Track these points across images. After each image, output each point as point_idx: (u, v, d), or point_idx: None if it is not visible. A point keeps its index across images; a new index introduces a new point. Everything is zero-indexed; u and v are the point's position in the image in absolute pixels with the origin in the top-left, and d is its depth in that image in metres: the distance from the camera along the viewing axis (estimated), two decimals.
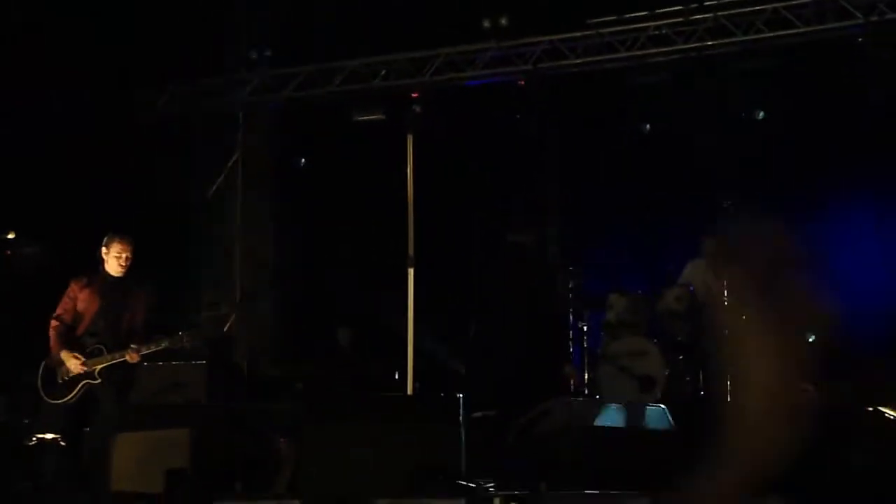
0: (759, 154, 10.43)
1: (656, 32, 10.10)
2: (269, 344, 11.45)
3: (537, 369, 8.95)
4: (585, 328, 9.39)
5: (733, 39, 9.83)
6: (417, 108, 8.18)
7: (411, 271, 6.96)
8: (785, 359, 1.66)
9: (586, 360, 9.30)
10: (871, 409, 6.53)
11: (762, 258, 1.67)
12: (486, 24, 10.30)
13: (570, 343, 9.44)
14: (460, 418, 6.10)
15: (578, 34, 10.34)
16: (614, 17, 10.19)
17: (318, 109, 11.18)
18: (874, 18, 9.27)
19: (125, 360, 6.97)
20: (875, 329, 9.25)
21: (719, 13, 9.81)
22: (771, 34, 9.72)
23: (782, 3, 9.60)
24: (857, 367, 8.33)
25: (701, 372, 9.27)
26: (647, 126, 10.57)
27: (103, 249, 7.17)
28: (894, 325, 9.09)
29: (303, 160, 11.61)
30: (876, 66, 9.22)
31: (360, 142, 10.79)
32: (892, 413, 6.40)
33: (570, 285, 9.45)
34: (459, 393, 6.13)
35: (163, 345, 7.04)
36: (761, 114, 10.26)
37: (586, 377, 9.27)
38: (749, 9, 9.75)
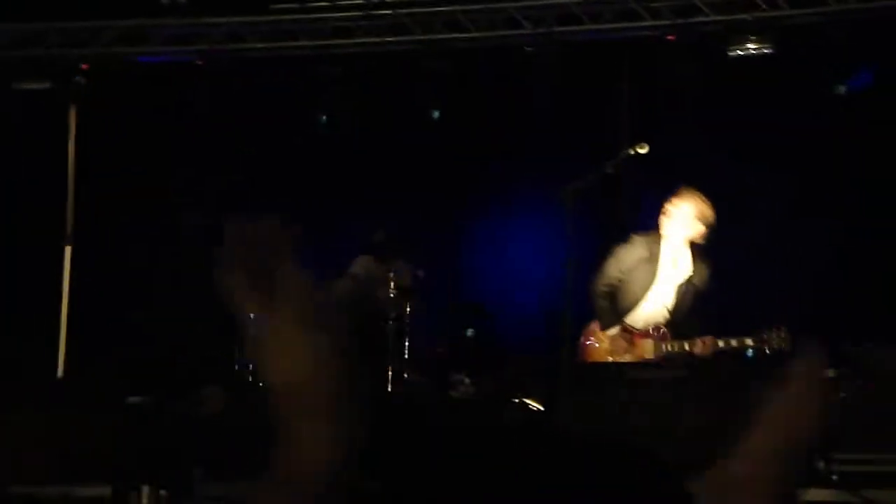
0: (435, 152, 10.76)
1: (338, 24, 10.17)
2: None
3: (198, 355, 8.77)
4: (253, 315, 9.30)
5: (411, 37, 10.07)
6: (82, 80, 7.77)
7: (69, 249, 6.64)
8: (300, 352, 1.59)
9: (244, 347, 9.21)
10: (516, 400, 6.86)
11: (254, 255, 1.62)
12: (164, 0, 9.99)
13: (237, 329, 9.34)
14: (114, 404, 5.90)
15: (259, 18, 10.24)
16: (297, 5, 10.17)
17: None
18: (542, 30, 9.77)
19: None
20: (524, 325, 9.79)
21: (399, 10, 10.01)
22: (448, 35, 10.03)
23: (459, 7, 9.93)
24: (505, 361, 8.78)
25: (366, 364, 9.44)
26: (324, 117, 10.62)
27: None
28: (541, 321, 9.62)
29: None
30: (542, 74, 9.73)
31: (21, 111, 10.16)
32: (534, 404, 6.75)
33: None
34: (117, 377, 5.92)
35: None
36: (436, 113, 10.56)
37: (251, 366, 9.20)
38: (428, 9, 10.02)
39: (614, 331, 6.67)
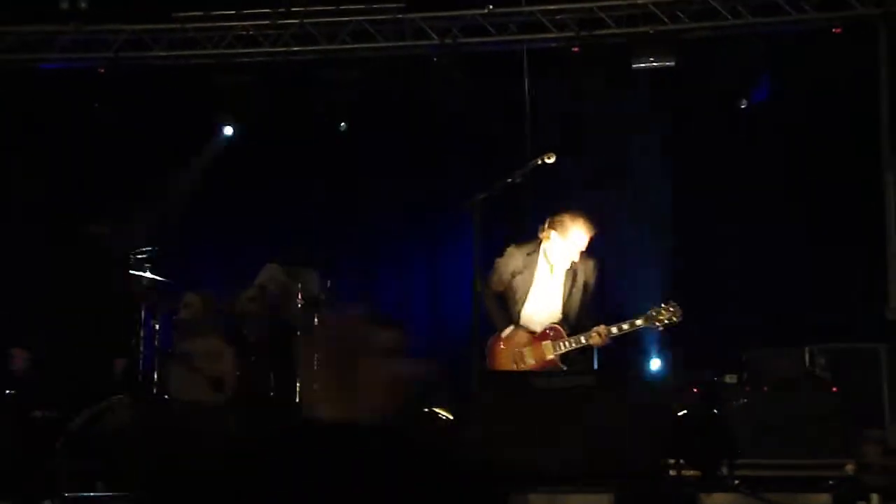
0: (342, 162, 10.75)
1: (243, 33, 10.10)
2: None
3: (104, 368, 8.62)
4: (157, 326, 9.18)
5: (317, 47, 10.05)
6: None
7: None
8: None
9: (157, 360, 9.09)
10: (426, 410, 6.89)
11: (337, 342, 2.08)
12: (65, 5, 9.80)
13: (142, 341, 9.20)
14: (17, 418, 5.79)
15: (162, 26, 10.12)
16: (200, 13, 10.07)
17: None
18: (448, 41, 9.83)
19: None
20: (432, 335, 9.83)
21: (305, 20, 9.98)
22: (354, 45, 10.03)
23: (365, 17, 9.93)
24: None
25: (272, 373, 9.37)
26: (228, 127, 10.52)
27: None
28: (449, 331, 9.67)
29: None
30: (448, 84, 9.79)
31: None
32: (444, 414, 6.79)
33: (145, 282, 9.20)
34: (13, 391, 5.79)
35: None
36: (343, 125, 10.55)
37: (156, 376, 9.07)
38: (334, 19, 10.00)
39: (509, 330, 6.77)
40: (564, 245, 6.83)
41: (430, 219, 10.57)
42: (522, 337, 6.73)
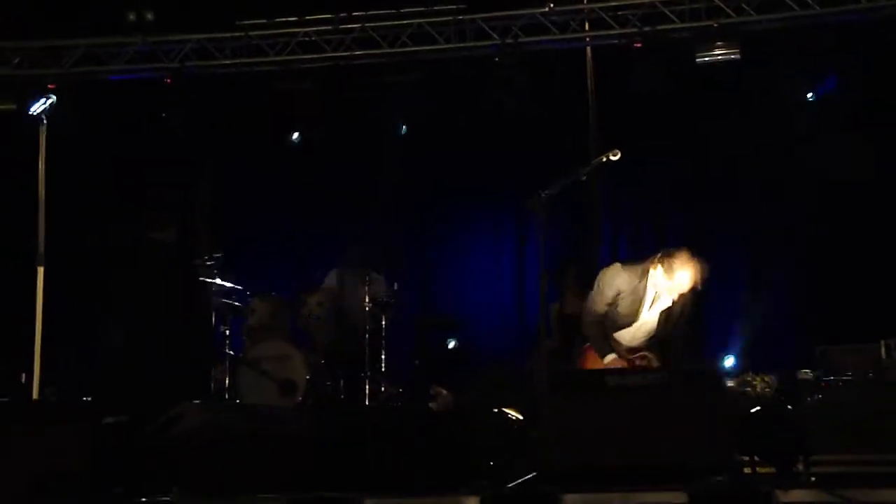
0: (405, 164, 10.78)
1: (306, 39, 10.17)
2: None
3: (176, 373, 8.72)
4: (228, 332, 9.28)
5: (379, 51, 10.08)
6: (51, 100, 7.71)
7: (41, 270, 6.57)
8: None
9: (228, 365, 9.19)
10: (496, 410, 6.87)
11: None
12: (132, 17, 9.94)
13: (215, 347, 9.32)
14: (89, 423, 5.86)
15: (227, 35, 10.22)
16: (264, 21, 10.16)
17: None
18: (509, 41, 9.81)
19: None
20: (499, 339, 9.82)
21: (367, 24, 10.02)
22: (415, 48, 10.05)
23: (426, 20, 9.95)
24: (482, 372, 8.80)
25: (342, 377, 9.42)
26: (296, 134, 10.60)
27: None
28: (514, 335, 9.67)
29: None
30: (509, 84, 9.76)
31: None
32: (513, 413, 6.76)
33: (214, 288, 9.31)
34: (89, 397, 5.87)
35: None
36: (404, 128, 10.58)
37: (227, 381, 9.17)
38: (395, 22, 10.04)
39: (611, 358, 6.71)
40: (669, 283, 6.73)
41: (494, 218, 10.56)
42: (615, 363, 6.68)
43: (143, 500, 5.64)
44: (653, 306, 6.80)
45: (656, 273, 6.73)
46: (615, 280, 6.82)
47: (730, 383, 6.41)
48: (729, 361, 8.93)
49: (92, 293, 9.23)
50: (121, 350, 8.25)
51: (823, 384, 6.75)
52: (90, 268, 9.45)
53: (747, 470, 6.07)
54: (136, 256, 8.04)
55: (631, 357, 6.73)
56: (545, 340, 6.56)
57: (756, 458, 6.15)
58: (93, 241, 9.71)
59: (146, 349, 7.95)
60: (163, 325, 8.08)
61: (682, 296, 6.70)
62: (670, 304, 6.74)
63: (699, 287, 6.70)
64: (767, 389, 6.28)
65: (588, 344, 6.90)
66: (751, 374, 6.37)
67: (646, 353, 6.69)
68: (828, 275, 9.32)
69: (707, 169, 9.94)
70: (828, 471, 6.01)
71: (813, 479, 5.87)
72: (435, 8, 9.94)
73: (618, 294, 6.79)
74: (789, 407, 6.67)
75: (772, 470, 6.23)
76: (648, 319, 6.82)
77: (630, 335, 6.84)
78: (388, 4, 10.03)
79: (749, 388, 6.35)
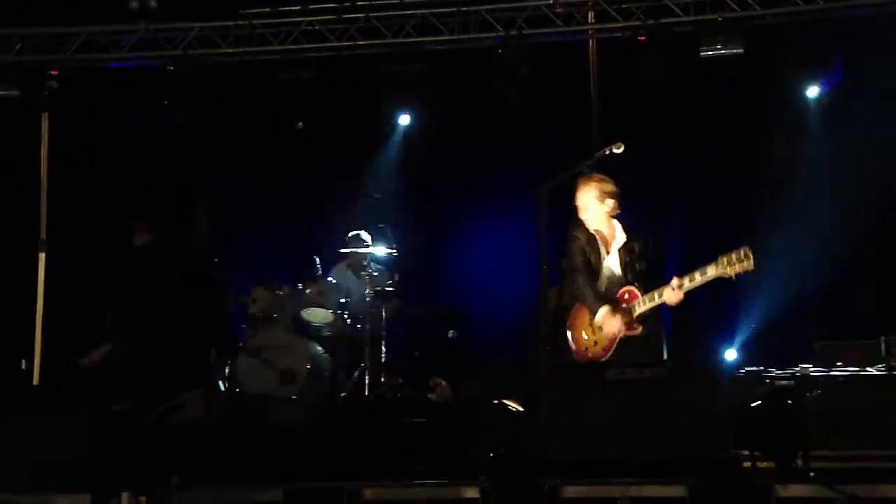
0: (407, 154, 10.78)
1: (309, 28, 10.15)
2: None
3: (177, 362, 8.73)
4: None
5: (383, 41, 10.07)
6: (54, 86, 7.70)
7: (42, 256, 6.58)
8: None
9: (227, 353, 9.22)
10: (496, 402, 6.87)
11: None
12: (134, 4, 9.92)
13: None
14: (89, 410, 5.87)
15: (231, 23, 10.21)
16: (268, 9, 10.14)
17: None
18: (513, 32, 9.80)
19: None
20: (499, 330, 9.82)
21: (371, 14, 10.01)
22: (419, 39, 10.04)
23: (430, 10, 9.94)
24: (484, 366, 8.80)
25: (342, 367, 9.45)
26: (300, 124, 10.59)
27: None
28: (514, 326, 9.65)
29: None
30: (512, 76, 9.75)
31: None
32: (513, 405, 6.76)
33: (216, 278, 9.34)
34: (93, 385, 5.89)
35: None
36: (409, 119, 10.56)
37: (227, 370, 9.19)
38: (399, 13, 10.02)
39: (604, 311, 6.60)
40: (592, 215, 6.72)
41: (496, 209, 10.55)
42: (608, 317, 6.60)
43: (143, 487, 5.65)
44: (610, 254, 6.75)
45: (582, 213, 6.74)
46: (579, 236, 6.78)
47: (709, 271, 6.19)
48: (730, 354, 8.94)
49: (96, 280, 9.26)
50: (124, 339, 8.28)
51: (822, 380, 6.74)
52: (92, 254, 9.47)
53: (747, 464, 6.06)
54: (129, 264, 8.06)
55: (617, 297, 6.61)
56: (545, 332, 6.54)
57: (755, 453, 6.14)
58: (95, 227, 9.71)
59: (148, 338, 7.97)
60: (166, 315, 8.10)
61: (632, 236, 6.69)
62: (624, 246, 6.72)
63: (614, 191, 6.69)
64: (747, 266, 6.07)
65: (576, 306, 6.78)
66: (727, 253, 6.17)
67: (630, 288, 6.60)
68: (829, 270, 9.31)
69: (710, 162, 9.92)
70: (827, 466, 6.02)
71: (812, 474, 5.88)
72: None
73: (584, 247, 6.76)
74: (789, 402, 6.66)
75: (771, 465, 6.22)
76: (613, 266, 6.75)
77: (603, 286, 6.75)
78: None
79: (729, 270, 6.13)
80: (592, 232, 6.78)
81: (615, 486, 5.30)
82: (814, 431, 6.34)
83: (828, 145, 9.38)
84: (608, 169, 6.79)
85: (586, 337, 6.66)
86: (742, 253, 6.11)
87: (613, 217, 6.80)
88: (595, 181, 6.75)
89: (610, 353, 6.56)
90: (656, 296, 6.43)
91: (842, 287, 9.23)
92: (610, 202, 6.76)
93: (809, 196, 9.46)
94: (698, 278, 6.27)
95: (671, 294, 6.35)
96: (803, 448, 6.21)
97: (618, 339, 6.55)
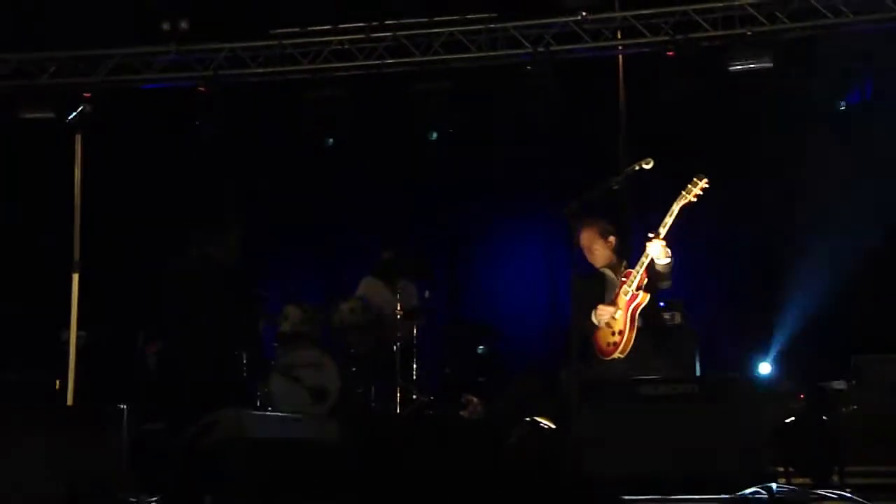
0: (433, 171, 10.80)
1: (338, 47, 10.22)
2: None
3: (211, 380, 8.77)
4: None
5: (411, 59, 10.11)
6: (87, 108, 7.78)
7: (76, 276, 6.63)
8: None
9: (259, 371, 9.23)
10: (527, 419, 6.85)
11: None
12: (166, 26, 10.03)
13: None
14: (123, 430, 5.89)
15: (260, 43, 10.29)
16: (297, 29, 10.22)
17: None
18: (541, 49, 9.81)
19: None
20: (530, 346, 9.80)
21: (399, 33, 10.06)
22: (447, 56, 10.08)
23: (458, 28, 9.97)
24: (513, 381, 8.79)
25: (374, 384, 9.44)
26: (330, 140, 10.65)
27: None
28: (545, 342, 9.63)
29: None
30: (541, 93, 9.76)
31: (27, 140, 10.21)
32: (545, 423, 6.74)
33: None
34: (125, 404, 5.90)
35: None
36: (434, 134, 10.59)
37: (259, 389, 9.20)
38: (427, 31, 10.07)
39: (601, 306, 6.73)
40: (598, 254, 6.90)
41: (525, 226, 10.55)
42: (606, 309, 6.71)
43: None
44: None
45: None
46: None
47: (674, 206, 6.36)
48: (765, 368, 8.88)
49: (129, 300, 9.32)
50: (159, 357, 8.32)
51: (858, 395, 6.69)
52: (126, 275, 9.54)
53: (782, 480, 6.02)
54: (174, 264, 8.07)
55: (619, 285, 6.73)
56: (577, 349, 6.53)
57: (791, 469, 6.10)
58: (129, 248, 9.79)
59: (182, 356, 7.99)
60: (199, 334, 8.12)
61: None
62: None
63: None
64: (702, 183, 6.33)
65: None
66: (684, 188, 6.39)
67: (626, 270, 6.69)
68: (863, 283, 9.23)
69: (740, 177, 9.88)
70: (863, 482, 5.97)
71: (848, 490, 5.83)
72: (467, 16, 9.95)
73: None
74: (824, 417, 6.62)
75: (807, 481, 6.18)
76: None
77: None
78: (420, 13, 10.06)
79: (691, 196, 6.35)
80: (600, 272, 6.86)
81: (649, 502, 5.28)
82: (849, 446, 6.29)
83: (860, 157, 9.30)
84: (637, 185, 6.79)
85: (607, 339, 6.71)
86: (695, 179, 6.42)
87: (615, 252, 6.93)
88: (593, 222, 6.87)
89: (634, 330, 6.61)
90: (643, 259, 6.53)
91: (879, 299, 9.15)
92: (612, 238, 6.90)
93: (843, 208, 9.39)
94: (668, 220, 6.47)
95: (654, 247, 6.47)
96: (839, 464, 6.16)
97: (630, 313, 6.62)
